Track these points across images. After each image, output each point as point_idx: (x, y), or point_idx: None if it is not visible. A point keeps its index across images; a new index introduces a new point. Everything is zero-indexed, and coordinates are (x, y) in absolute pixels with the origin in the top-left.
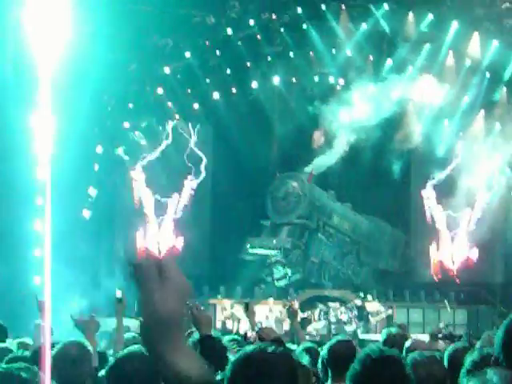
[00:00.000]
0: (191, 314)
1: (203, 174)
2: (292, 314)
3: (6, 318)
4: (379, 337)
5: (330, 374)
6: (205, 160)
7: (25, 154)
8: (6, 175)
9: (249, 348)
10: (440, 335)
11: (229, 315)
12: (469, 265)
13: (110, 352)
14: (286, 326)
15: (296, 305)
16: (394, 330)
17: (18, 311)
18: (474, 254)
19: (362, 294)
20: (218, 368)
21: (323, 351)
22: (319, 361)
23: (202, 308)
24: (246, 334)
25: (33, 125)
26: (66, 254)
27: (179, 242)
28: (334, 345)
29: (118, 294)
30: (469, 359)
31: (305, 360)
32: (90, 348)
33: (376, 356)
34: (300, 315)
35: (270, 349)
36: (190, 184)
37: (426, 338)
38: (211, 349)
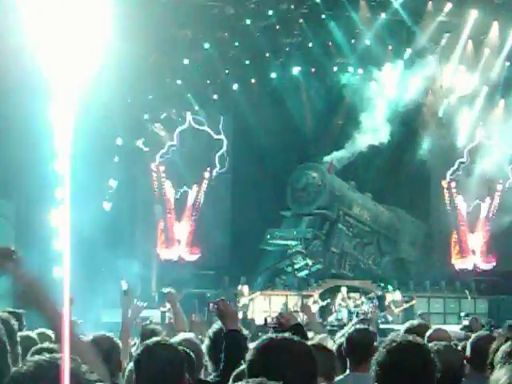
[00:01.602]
0: (217, 308)
1: (218, 167)
2: (307, 311)
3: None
4: (400, 327)
5: (348, 362)
6: (224, 149)
7: (45, 147)
8: (27, 168)
9: (267, 336)
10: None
11: (246, 304)
12: (489, 254)
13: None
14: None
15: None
16: (415, 322)
17: None
18: (495, 243)
19: (382, 285)
20: (241, 360)
21: (342, 340)
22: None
23: (229, 302)
24: (266, 319)
25: (52, 118)
26: (86, 246)
27: (199, 233)
28: (352, 333)
29: (124, 286)
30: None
31: (329, 344)
32: (120, 342)
33: (402, 343)
34: (320, 303)
35: (287, 336)
36: (210, 175)
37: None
38: (237, 343)
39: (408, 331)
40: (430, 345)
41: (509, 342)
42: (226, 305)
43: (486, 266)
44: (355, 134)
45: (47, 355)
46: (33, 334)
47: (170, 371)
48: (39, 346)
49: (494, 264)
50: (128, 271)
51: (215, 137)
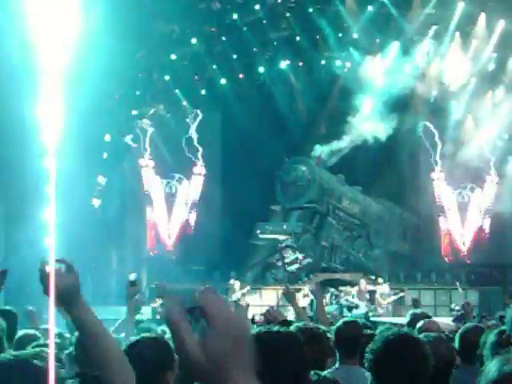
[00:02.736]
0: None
1: (201, 164)
2: (289, 297)
3: (17, 306)
4: (390, 320)
5: (338, 355)
6: (201, 150)
7: (34, 144)
8: (16, 164)
9: (256, 329)
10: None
11: (237, 299)
12: (479, 246)
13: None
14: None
15: (290, 288)
16: (418, 310)
17: (29, 300)
18: (485, 235)
19: (373, 277)
20: None
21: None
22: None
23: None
24: (253, 317)
25: (41, 114)
26: (76, 243)
27: (189, 228)
28: (340, 326)
29: (132, 276)
30: (489, 340)
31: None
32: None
33: (395, 336)
34: (311, 297)
35: (276, 329)
36: (199, 170)
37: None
38: None
39: (411, 322)
40: (421, 336)
41: (494, 332)
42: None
43: (476, 257)
44: (349, 120)
45: (13, 353)
46: (32, 331)
47: (151, 367)
48: (35, 342)
49: (484, 255)
50: (119, 267)
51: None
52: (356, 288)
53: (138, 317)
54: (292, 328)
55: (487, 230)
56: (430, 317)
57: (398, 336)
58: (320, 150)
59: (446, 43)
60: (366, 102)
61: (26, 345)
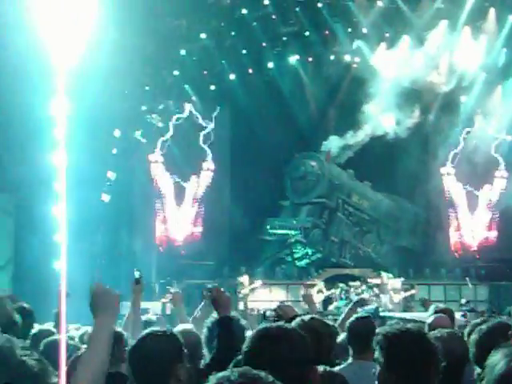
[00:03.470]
0: (211, 295)
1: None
2: (308, 299)
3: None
4: (400, 315)
5: (350, 351)
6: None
7: (44, 140)
8: (27, 161)
9: (266, 325)
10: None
11: (246, 293)
12: (489, 241)
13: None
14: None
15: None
16: (441, 305)
17: (39, 296)
18: (494, 230)
19: (382, 272)
20: (237, 348)
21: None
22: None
23: (222, 289)
24: (264, 313)
25: (51, 110)
26: (86, 238)
27: (198, 224)
28: (353, 322)
29: (136, 274)
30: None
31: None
32: (125, 333)
33: (402, 331)
34: (325, 293)
35: (282, 325)
36: (209, 166)
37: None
38: (229, 329)
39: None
40: (434, 332)
41: (476, 330)
42: (219, 291)
43: (485, 252)
44: (360, 113)
45: None
46: (46, 327)
47: (160, 360)
48: (51, 338)
49: (494, 250)
50: (127, 262)
51: (200, 121)
52: (378, 280)
53: (145, 317)
54: (295, 321)
55: (497, 226)
56: (453, 312)
57: (404, 331)
58: (329, 146)
59: (456, 38)
60: (376, 97)
61: (41, 341)
